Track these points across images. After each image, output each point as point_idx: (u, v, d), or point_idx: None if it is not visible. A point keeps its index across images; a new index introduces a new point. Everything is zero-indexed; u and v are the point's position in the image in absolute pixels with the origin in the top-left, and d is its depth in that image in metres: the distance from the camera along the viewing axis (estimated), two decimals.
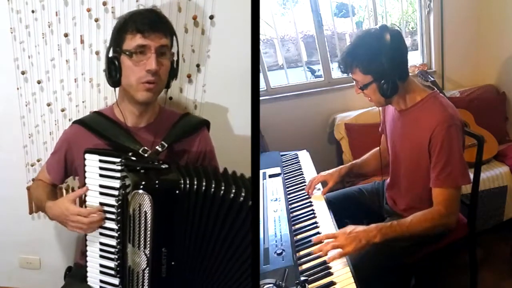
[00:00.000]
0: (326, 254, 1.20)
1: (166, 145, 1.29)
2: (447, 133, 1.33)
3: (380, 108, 1.62)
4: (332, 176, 1.68)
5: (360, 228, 1.26)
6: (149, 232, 1.10)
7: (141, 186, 1.08)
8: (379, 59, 1.34)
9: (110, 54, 1.25)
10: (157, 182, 1.10)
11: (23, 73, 1.56)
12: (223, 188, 1.12)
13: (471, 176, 1.65)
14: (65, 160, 1.37)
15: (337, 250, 1.20)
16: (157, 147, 1.28)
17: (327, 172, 1.70)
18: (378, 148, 1.72)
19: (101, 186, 1.21)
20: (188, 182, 1.12)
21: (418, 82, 1.47)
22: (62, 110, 1.61)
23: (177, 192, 1.11)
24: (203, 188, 1.12)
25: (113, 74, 1.24)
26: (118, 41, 1.23)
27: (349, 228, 1.26)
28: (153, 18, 1.23)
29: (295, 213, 1.51)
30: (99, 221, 1.19)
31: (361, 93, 1.45)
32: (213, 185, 1.12)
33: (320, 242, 1.27)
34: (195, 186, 1.12)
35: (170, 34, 1.27)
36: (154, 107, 1.36)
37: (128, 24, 1.21)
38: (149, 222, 1.09)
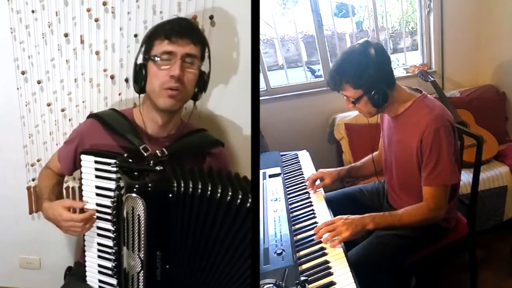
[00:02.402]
0: (326, 242, 1.28)
1: (166, 153, 1.25)
2: (436, 135, 1.36)
3: None
4: (331, 174, 1.70)
5: (356, 216, 1.36)
6: (143, 235, 1.09)
7: (134, 189, 1.07)
8: (368, 71, 1.37)
9: (139, 61, 1.25)
10: (150, 185, 1.09)
11: (23, 73, 1.56)
12: (219, 191, 1.11)
13: (471, 176, 1.66)
14: (75, 152, 1.35)
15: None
16: (157, 151, 1.25)
17: (327, 170, 1.72)
18: (376, 153, 1.75)
19: (97, 187, 1.20)
20: (182, 185, 1.10)
21: (405, 88, 1.50)
22: (62, 110, 1.61)
23: (170, 195, 1.10)
24: (199, 191, 1.11)
25: (140, 80, 1.24)
26: (147, 49, 1.24)
27: (344, 216, 1.35)
28: (182, 24, 1.23)
29: (295, 213, 1.51)
30: (90, 226, 1.21)
31: (351, 107, 1.47)
32: (209, 188, 1.11)
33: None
34: (190, 189, 1.11)
35: (201, 43, 1.26)
36: (178, 118, 1.34)
37: (158, 32, 1.22)
38: (143, 225, 1.08)
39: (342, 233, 1.29)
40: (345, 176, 1.76)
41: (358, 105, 1.45)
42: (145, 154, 1.23)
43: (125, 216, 1.09)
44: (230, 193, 1.11)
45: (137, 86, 1.26)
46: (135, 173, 1.12)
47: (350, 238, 1.30)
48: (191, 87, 1.26)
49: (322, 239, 1.29)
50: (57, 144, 1.62)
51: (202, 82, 1.29)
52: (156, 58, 1.21)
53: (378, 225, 1.37)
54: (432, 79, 2.56)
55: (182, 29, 1.21)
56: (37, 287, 1.92)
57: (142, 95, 1.29)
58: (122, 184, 1.11)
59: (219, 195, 1.11)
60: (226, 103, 1.60)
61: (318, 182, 1.68)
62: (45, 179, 1.41)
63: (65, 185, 1.66)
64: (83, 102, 1.60)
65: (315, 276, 1.14)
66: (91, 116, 1.35)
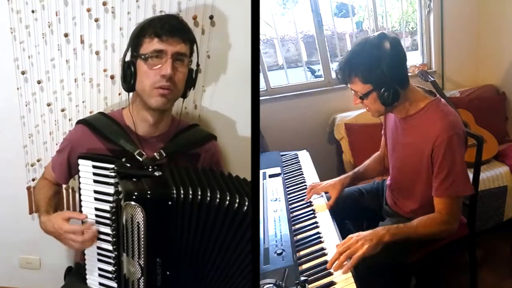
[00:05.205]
0: (339, 267, 1.16)
1: (164, 154, 1.26)
2: (449, 143, 1.31)
3: None
4: (335, 187, 1.61)
5: (367, 231, 1.25)
6: (142, 243, 1.08)
7: (133, 197, 1.05)
8: (379, 67, 1.30)
9: (127, 59, 1.23)
10: (149, 193, 1.07)
11: (23, 73, 1.56)
12: (218, 196, 1.10)
13: (471, 176, 1.65)
14: (68, 160, 1.34)
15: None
16: (155, 154, 1.25)
17: (329, 182, 1.63)
18: (378, 153, 1.72)
19: (95, 192, 1.20)
20: (182, 192, 1.09)
21: (420, 89, 1.44)
22: (62, 110, 1.61)
23: (169, 203, 1.09)
24: (199, 197, 1.10)
25: (128, 79, 1.22)
26: (136, 46, 1.22)
27: (355, 234, 1.25)
28: (172, 23, 1.21)
29: (295, 213, 1.51)
30: (92, 238, 1.19)
31: (359, 104, 1.42)
32: (208, 194, 1.10)
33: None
34: (190, 196, 1.10)
35: (190, 41, 1.25)
36: (168, 116, 1.33)
37: (147, 29, 1.20)
38: (142, 232, 1.07)
39: (357, 251, 1.18)
40: (350, 184, 1.67)
41: (366, 102, 1.39)
42: (141, 159, 1.22)
43: (124, 223, 1.08)
44: (228, 198, 1.10)
45: (125, 85, 1.24)
46: (134, 179, 1.11)
47: (368, 254, 1.18)
48: (181, 85, 1.25)
49: (332, 268, 1.16)
50: (57, 144, 1.62)
51: (191, 79, 1.28)
52: (146, 57, 1.19)
53: (394, 236, 1.27)
54: (432, 79, 2.56)
55: (172, 28, 1.19)
56: (37, 287, 1.92)
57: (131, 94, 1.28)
58: (120, 189, 1.10)
59: (217, 200, 1.10)
60: (226, 103, 1.60)
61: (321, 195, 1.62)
62: (41, 191, 1.39)
63: (65, 186, 1.66)
64: (83, 102, 1.60)
65: (315, 276, 1.14)
66: (80, 122, 1.33)
